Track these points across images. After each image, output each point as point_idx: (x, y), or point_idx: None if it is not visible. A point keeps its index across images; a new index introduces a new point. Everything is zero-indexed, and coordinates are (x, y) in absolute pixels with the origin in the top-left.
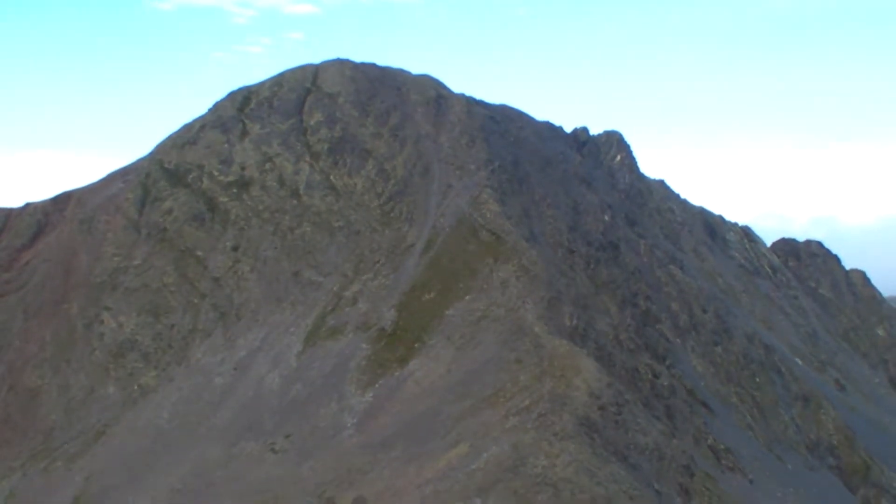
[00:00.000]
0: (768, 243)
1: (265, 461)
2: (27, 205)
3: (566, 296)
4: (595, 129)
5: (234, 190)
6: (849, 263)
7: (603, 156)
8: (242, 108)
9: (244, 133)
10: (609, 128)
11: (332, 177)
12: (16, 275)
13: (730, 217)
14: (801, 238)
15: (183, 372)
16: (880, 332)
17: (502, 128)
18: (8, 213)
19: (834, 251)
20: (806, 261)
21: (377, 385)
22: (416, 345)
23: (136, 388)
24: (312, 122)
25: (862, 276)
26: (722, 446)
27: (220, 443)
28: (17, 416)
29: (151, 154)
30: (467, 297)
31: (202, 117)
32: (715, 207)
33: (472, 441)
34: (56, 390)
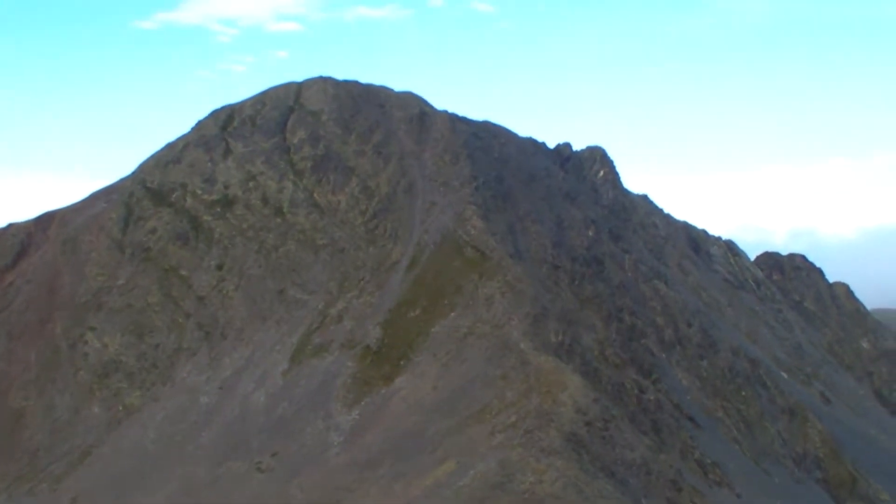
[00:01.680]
0: (749, 256)
1: (252, 480)
2: (9, 225)
3: (551, 312)
4: (578, 145)
5: (218, 209)
6: (829, 276)
7: (586, 171)
8: (226, 126)
9: (227, 152)
10: (592, 143)
11: (315, 194)
12: None
13: (709, 230)
14: (781, 251)
15: (168, 392)
16: (865, 344)
17: (486, 144)
18: None
19: (814, 264)
20: (790, 274)
21: (363, 403)
22: (401, 362)
23: (121, 408)
24: (296, 140)
25: (846, 288)
26: (709, 460)
27: (206, 462)
28: (1, 437)
29: (134, 173)
30: (452, 314)
31: (185, 136)
32: (695, 221)
33: (458, 458)
34: (41, 411)
